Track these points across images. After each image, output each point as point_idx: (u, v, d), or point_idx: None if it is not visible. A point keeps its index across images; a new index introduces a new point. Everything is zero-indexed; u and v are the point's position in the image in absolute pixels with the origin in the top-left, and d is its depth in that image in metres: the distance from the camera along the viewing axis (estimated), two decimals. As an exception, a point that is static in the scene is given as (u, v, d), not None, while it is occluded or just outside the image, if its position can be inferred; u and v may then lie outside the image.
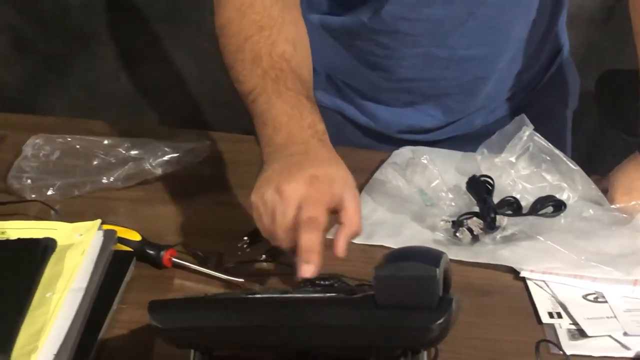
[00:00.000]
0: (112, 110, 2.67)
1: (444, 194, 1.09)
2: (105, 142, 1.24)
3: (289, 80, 0.99)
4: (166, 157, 1.19)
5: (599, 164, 1.37)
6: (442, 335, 0.71)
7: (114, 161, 1.21)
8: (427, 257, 0.73)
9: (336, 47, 1.26)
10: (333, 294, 0.75)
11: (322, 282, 0.96)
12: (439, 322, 0.70)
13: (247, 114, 1.03)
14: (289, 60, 1.01)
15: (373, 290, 0.72)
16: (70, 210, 1.12)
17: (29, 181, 1.16)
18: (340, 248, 0.87)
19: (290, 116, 0.95)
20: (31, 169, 1.19)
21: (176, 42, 2.68)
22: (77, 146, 1.24)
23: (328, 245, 1.03)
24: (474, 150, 1.20)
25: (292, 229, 0.86)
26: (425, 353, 0.74)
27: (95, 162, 1.21)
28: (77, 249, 0.96)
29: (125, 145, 1.23)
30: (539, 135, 1.14)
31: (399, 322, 0.70)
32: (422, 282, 0.70)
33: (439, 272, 0.71)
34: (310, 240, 0.84)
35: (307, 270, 0.82)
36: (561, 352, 0.87)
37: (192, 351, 0.76)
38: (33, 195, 1.14)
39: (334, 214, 0.90)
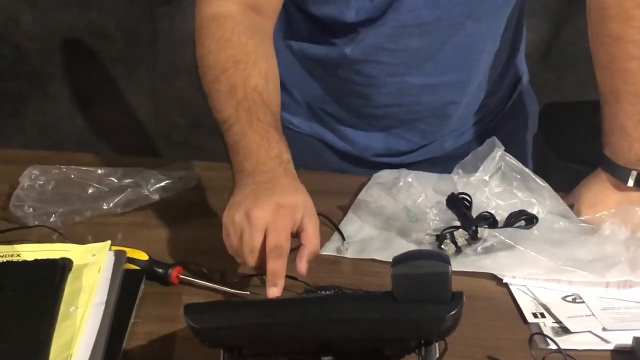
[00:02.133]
0: (67, 150, 2.69)
1: (428, 209, 1.18)
2: (99, 171, 1.30)
3: (260, 112, 1.09)
4: (162, 184, 1.26)
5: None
6: (455, 325, 0.79)
7: (107, 190, 1.27)
8: (438, 256, 0.81)
9: (316, 74, 1.34)
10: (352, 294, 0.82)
11: (324, 293, 1.03)
12: (453, 312, 0.78)
13: (221, 141, 1.12)
14: (261, 93, 1.10)
15: (391, 287, 0.79)
16: (72, 236, 1.17)
17: (30, 209, 1.20)
18: (302, 267, 0.99)
19: (260, 145, 1.05)
20: (30, 198, 1.23)
21: (131, 83, 2.73)
22: (72, 176, 1.29)
23: (330, 261, 1.12)
24: (443, 171, 1.29)
25: (256, 251, 0.98)
26: (436, 345, 0.82)
27: (90, 191, 1.26)
28: (93, 268, 1.01)
29: (118, 174, 1.29)
30: (510, 156, 1.24)
31: (416, 314, 0.78)
32: (437, 277, 0.78)
33: (450, 268, 0.79)
34: (275, 267, 0.95)
35: (273, 292, 0.93)
36: (549, 346, 0.96)
37: (222, 351, 0.83)
38: (36, 222, 1.19)
39: (296, 237, 1.01)
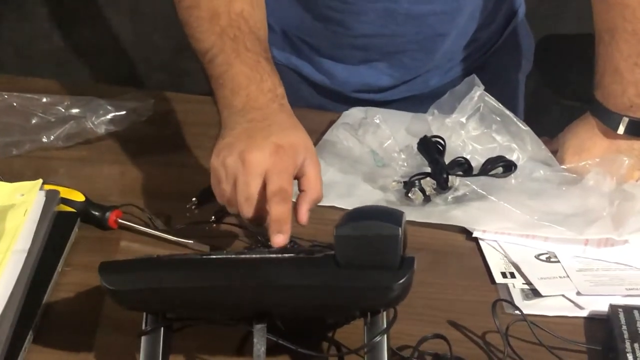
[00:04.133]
0: (44, 71, 2.59)
1: (396, 154, 1.08)
2: (44, 100, 1.19)
3: (248, 40, 0.96)
4: (109, 116, 1.16)
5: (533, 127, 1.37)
6: (404, 295, 0.70)
7: (53, 120, 1.17)
8: (388, 216, 0.72)
9: (293, 1, 1.23)
10: (292, 254, 0.73)
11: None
12: (401, 281, 0.69)
13: (197, 76, 1.00)
14: (247, 19, 0.98)
15: (333, 250, 0.70)
16: (9, 170, 1.08)
17: (-36, 140, 1.11)
18: (303, 215, 0.86)
19: (250, 79, 0.92)
20: (-34, 127, 1.14)
21: (112, 2, 2.62)
22: (15, 104, 1.19)
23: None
24: (427, 111, 1.19)
25: (253, 200, 0.85)
26: (384, 314, 0.73)
27: (34, 121, 1.16)
28: (18, 210, 0.92)
29: (65, 103, 1.19)
30: (490, 96, 1.13)
31: (360, 281, 0.69)
32: (385, 241, 0.69)
33: (401, 231, 0.70)
34: (280, 212, 0.83)
35: (279, 240, 0.81)
36: (516, 311, 0.87)
37: (145, 314, 0.74)
38: (-31, 155, 1.09)
39: (296, 180, 0.89)
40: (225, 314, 0.75)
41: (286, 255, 0.73)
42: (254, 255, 0.74)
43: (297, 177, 0.88)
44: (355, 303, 0.71)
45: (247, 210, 0.85)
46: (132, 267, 0.72)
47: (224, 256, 0.75)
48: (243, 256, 0.74)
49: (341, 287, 0.69)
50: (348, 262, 0.69)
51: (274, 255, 0.73)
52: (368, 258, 0.69)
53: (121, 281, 0.71)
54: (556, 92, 2.31)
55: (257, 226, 0.86)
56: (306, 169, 0.88)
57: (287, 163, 0.86)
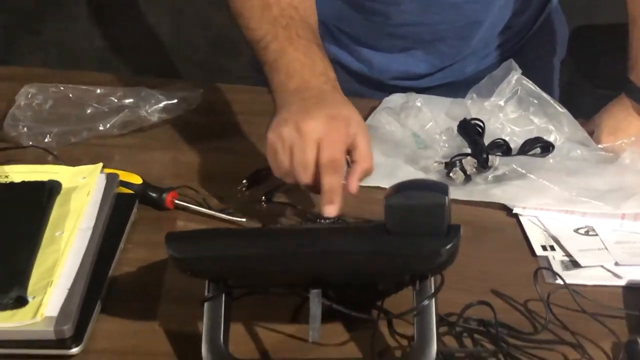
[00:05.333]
0: (85, 69, 2.65)
1: (437, 136, 1.12)
2: (98, 91, 1.25)
3: (299, 28, 1.01)
4: (161, 105, 1.21)
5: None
6: (450, 260, 0.74)
7: (107, 110, 1.22)
8: (435, 186, 0.76)
9: None
10: (346, 226, 0.77)
11: (323, 221, 0.99)
12: (448, 247, 0.73)
13: (255, 62, 1.04)
14: (297, 8, 1.03)
15: (384, 219, 0.74)
16: (67, 157, 1.13)
17: (25, 129, 1.16)
18: (354, 186, 0.90)
19: (303, 63, 0.97)
20: (26, 117, 1.19)
21: (152, 1, 2.67)
22: (70, 95, 1.24)
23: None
24: (465, 97, 1.22)
25: (310, 166, 0.88)
26: (432, 279, 0.77)
27: (88, 111, 1.22)
28: (82, 191, 0.97)
29: (118, 94, 1.24)
30: (527, 79, 1.17)
31: (410, 247, 0.73)
32: (433, 209, 0.73)
33: (448, 200, 0.74)
34: (332, 182, 0.87)
35: (331, 210, 0.85)
36: (557, 281, 0.91)
37: (207, 282, 0.79)
38: (30, 142, 1.15)
39: (347, 154, 0.93)
40: (283, 280, 0.80)
41: (339, 225, 0.77)
42: (308, 225, 0.78)
43: (349, 150, 0.92)
44: (404, 269, 0.75)
45: (305, 177, 0.89)
46: (197, 236, 0.77)
47: (281, 227, 0.79)
48: (299, 226, 0.78)
49: (392, 254, 0.73)
50: (398, 230, 0.73)
51: (327, 226, 0.77)
52: (416, 226, 0.73)
53: (186, 250, 0.76)
54: (590, 81, 2.33)
55: (316, 193, 0.89)
56: (358, 142, 0.92)
57: (340, 133, 0.90)
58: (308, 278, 0.77)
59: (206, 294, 0.78)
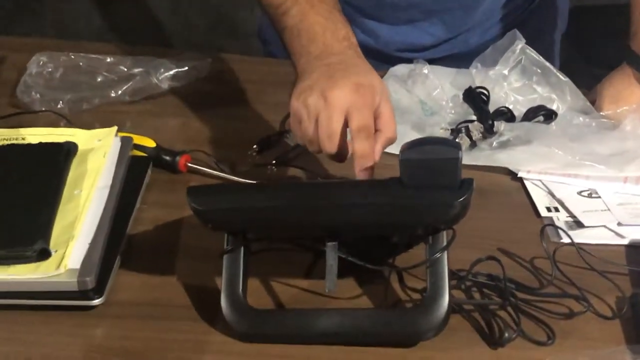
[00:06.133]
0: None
1: (444, 102, 1.14)
2: (108, 59, 1.27)
3: None
4: (171, 72, 1.23)
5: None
6: (463, 213, 0.77)
7: (116, 78, 1.24)
8: (448, 142, 0.78)
9: None
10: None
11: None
12: (461, 199, 0.75)
13: (263, 33, 1.02)
14: None
15: (399, 173, 0.77)
16: (80, 122, 1.14)
17: (37, 95, 1.19)
18: (378, 153, 0.89)
19: (325, 28, 0.97)
20: (37, 84, 1.21)
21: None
22: (81, 64, 1.27)
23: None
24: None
25: (336, 135, 0.88)
26: (444, 233, 0.80)
27: (99, 79, 1.24)
28: (98, 152, 0.99)
29: (128, 63, 1.26)
30: (531, 49, 1.19)
31: (424, 199, 0.76)
32: (446, 163, 0.76)
33: (461, 154, 0.76)
34: (365, 148, 0.87)
35: (364, 174, 0.85)
36: (562, 239, 0.93)
37: (227, 235, 0.81)
38: (43, 108, 1.17)
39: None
40: (301, 232, 0.82)
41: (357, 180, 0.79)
42: (327, 181, 0.80)
43: (374, 118, 0.91)
44: (419, 220, 0.78)
45: (330, 147, 0.88)
46: (217, 190, 0.80)
47: (300, 182, 0.81)
48: (315, 181, 0.81)
49: (407, 205, 0.76)
50: (412, 183, 0.76)
51: (345, 180, 0.79)
52: (431, 179, 0.76)
53: (208, 202, 0.78)
54: (587, 61, 2.35)
55: (339, 162, 0.90)
56: (382, 110, 0.91)
57: (368, 100, 0.90)
58: (325, 230, 0.79)
59: (225, 246, 0.81)
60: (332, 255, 0.78)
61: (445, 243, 0.79)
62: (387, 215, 0.77)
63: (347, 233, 0.80)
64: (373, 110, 0.90)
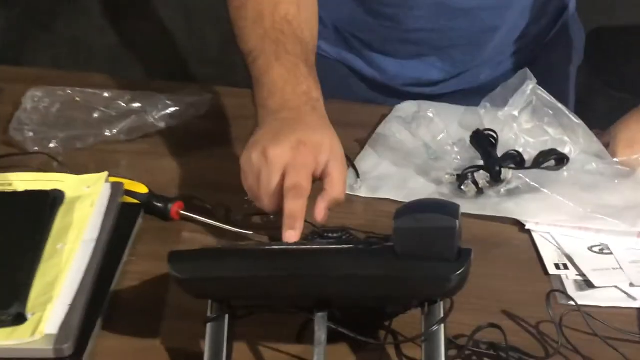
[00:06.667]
0: (97, 66, 2.64)
1: (449, 147, 1.10)
2: (106, 94, 1.23)
3: (289, 43, 0.99)
4: (169, 111, 1.19)
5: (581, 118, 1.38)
6: (461, 285, 0.72)
7: (114, 114, 1.20)
8: (445, 209, 0.73)
9: None
10: (351, 245, 0.75)
11: (330, 235, 0.97)
12: (459, 272, 0.71)
13: (245, 72, 1.03)
14: (290, 22, 1.01)
15: (392, 242, 0.72)
16: (73, 163, 1.12)
17: (30, 133, 1.15)
18: (320, 214, 0.87)
19: (286, 81, 0.95)
20: (31, 121, 1.18)
21: (163, -3, 2.66)
22: (77, 99, 1.23)
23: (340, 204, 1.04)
24: (479, 104, 1.20)
25: (276, 194, 0.87)
26: (442, 304, 0.75)
27: (95, 115, 1.20)
28: (86, 201, 0.96)
29: (126, 98, 1.23)
30: (542, 89, 1.14)
31: (419, 272, 0.71)
32: (443, 233, 0.71)
33: (458, 223, 0.72)
34: (294, 208, 0.84)
35: (291, 236, 0.82)
36: (570, 302, 0.88)
37: (210, 302, 0.77)
38: (35, 148, 1.13)
39: (319, 180, 0.90)
40: (288, 302, 0.78)
41: (347, 246, 0.75)
42: (315, 246, 0.76)
43: (321, 177, 0.89)
44: (413, 293, 0.73)
45: (268, 204, 0.87)
46: (199, 257, 0.75)
47: (286, 247, 0.77)
48: (305, 247, 0.76)
49: (400, 278, 0.71)
50: (407, 253, 0.71)
51: (335, 246, 0.75)
52: (426, 249, 0.71)
53: (189, 270, 0.74)
54: (605, 83, 2.30)
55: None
56: (330, 169, 0.89)
57: (306, 159, 0.87)
58: (314, 300, 0.75)
59: (209, 314, 0.77)
60: (321, 327, 0.74)
61: (442, 314, 0.74)
62: (379, 287, 0.72)
63: (337, 303, 0.75)
64: (312, 169, 0.88)
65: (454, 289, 0.72)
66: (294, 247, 0.77)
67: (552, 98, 1.14)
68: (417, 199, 0.79)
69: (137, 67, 2.67)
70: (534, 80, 1.15)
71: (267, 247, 0.77)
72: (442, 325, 0.74)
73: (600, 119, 1.19)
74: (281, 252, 0.75)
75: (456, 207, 0.75)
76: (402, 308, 0.79)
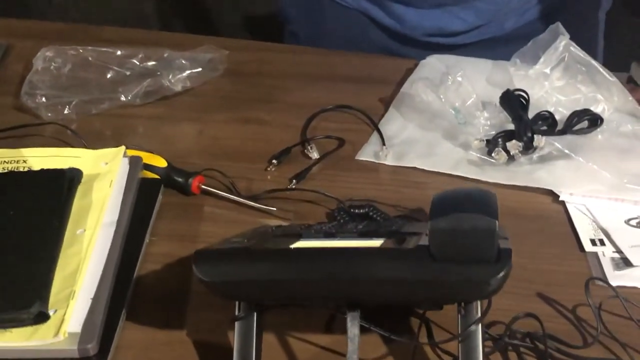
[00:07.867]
0: (112, 17, 2.56)
1: (479, 113, 1.05)
2: (119, 52, 1.18)
3: None
4: (185, 73, 1.14)
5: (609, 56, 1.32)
6: (500, 288, 0.69)
7: (128, 74, 1.16)
8: (484, 207, 0.70)
9: None
10: (384, 247, 0.72)
11: (356, 211, 0.94)
12: (499, 276, 0.67)
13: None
14: None
15: (428, 241, 0.68)
16: (88, 130, 1.08)
17: (43, 99, 1.11)
18: None
19: None
20: (44, 84, 1.13)
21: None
22: (90, 58, 1.18)
23: (367, 169, 1.00)
24: (503, 53, 1.15)
25: None
26: (478, 303, 0.72)
27: (109, 75, 1.16)
28: (104, 180, 0.92)
29: (139, 56, 1.18)
30: (575, 46, 1.09)
31: (456, 276, 0.67)
32: (482, 234, 0.67)
33: (498, 223, 0.68)
34: None
35: None
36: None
37: (237, 302, 0.74)
38: (49, 114, 1.09)
39: None
40: (318, 303, 0.75)
41: (380, 246, 0.71)
42: (345, 244, 0.73)
43: None
44: (450, 297, 0.70)
45: None
46: (226, 258, 0.72)
47: (315, 246, 0.74)
48: (334, 246, 0.73)
49: (436, 282, 0.68)
50: (443, 255, 0.68)
51: (368, 246, 0.72)
52: (463, 251, 0.68)
53: (216, 273, 0.71)
54: (627, 9, 2.23)
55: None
56: None
57: None
58: (345, 301, 0.72)
59: (236, 313, 0.74)
60: (354, 325, 0.71)
61: (479, 314, 0.71)
62: (414, 290, 0.69)
63: (370, 304, 0.72)
64: None
65: (492, 292, 0.68)
66: (326, 246, 0.74)
67: (586, 54, 1.10)
68: (452, 190, 0.75)
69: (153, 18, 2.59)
70: (567, 36, 1.10)
71: (295, 248, 0.73)
72: (480, 325, 0.71)
73: (622, 46, 1.14)
74: (312, 254, 0.71)
75: (494, 201, 0.71)
76: (437, 306, 0.76)
